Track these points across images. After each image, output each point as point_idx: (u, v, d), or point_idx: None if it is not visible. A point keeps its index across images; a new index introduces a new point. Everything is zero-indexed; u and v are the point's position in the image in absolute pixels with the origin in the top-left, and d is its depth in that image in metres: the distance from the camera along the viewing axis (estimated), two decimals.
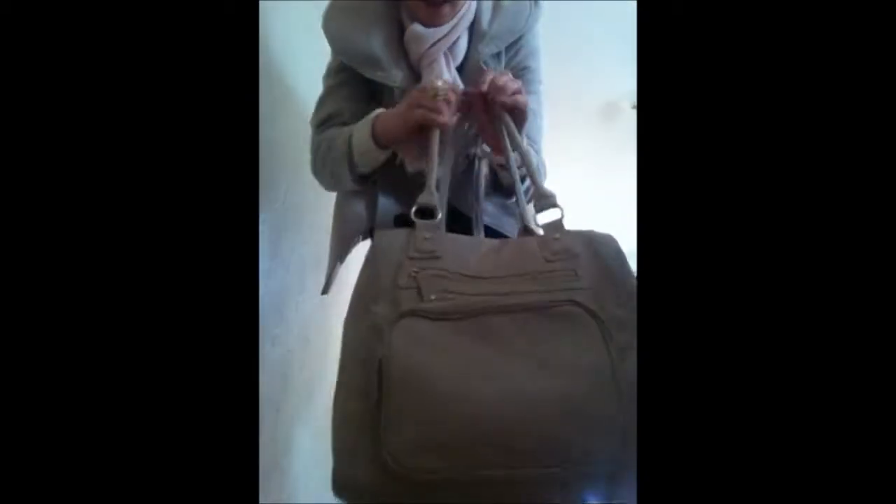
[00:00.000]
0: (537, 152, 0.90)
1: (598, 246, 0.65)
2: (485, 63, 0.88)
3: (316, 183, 1.34)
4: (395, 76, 0.87)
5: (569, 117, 2.98)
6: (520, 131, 0.77)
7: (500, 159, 0.82)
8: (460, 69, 0.89)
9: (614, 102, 3.08)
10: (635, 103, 3.04)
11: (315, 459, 1.34)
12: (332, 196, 1.47)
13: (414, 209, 0.67)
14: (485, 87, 0.75)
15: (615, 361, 0.55)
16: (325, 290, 0.98)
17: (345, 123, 0.89)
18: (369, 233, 0.95)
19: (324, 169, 0.91)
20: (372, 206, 0.91)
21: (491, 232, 0.85)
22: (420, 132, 0.75)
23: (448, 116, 0.73)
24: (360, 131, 0.83)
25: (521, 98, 0.75)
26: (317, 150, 0.91)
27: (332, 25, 0.91)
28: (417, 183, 0.72)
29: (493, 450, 0.52)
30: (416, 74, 0.88)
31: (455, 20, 0.87)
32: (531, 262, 0.64)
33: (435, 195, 0.68)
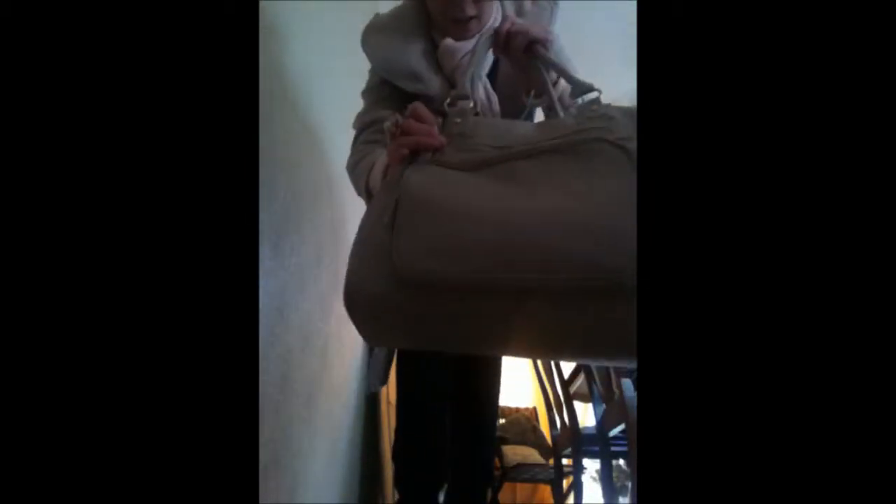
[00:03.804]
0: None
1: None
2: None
3: (316, 183, 1.35)
4: (433, 87, 0.97)
5: None
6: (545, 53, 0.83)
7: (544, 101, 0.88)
8: (493, 73, 0.99)
9: (614, 103, 3.08)
10: (635, 103, 3.04)
11: (315, 459, 1.34)
12: (332, 197, 1.48)
13: (448, 101, 0.71)
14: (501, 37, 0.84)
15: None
16: (383, 382, 1.09)
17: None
18: None
19: (351, 174, 1.03)
20: None
21: None
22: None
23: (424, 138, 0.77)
24: (376, 170, 0.90)
25: (531, 33, 0.82)
26: (352, 156, 1.02)
27: (372, 44, 1.01)
28: None
29: (486, 255, 0.56)
30: (450, 83, 0.98)
31: (483, 32, 0.95)
32: (565, 127, 0.65)
33: (468, 87, 0.73)
